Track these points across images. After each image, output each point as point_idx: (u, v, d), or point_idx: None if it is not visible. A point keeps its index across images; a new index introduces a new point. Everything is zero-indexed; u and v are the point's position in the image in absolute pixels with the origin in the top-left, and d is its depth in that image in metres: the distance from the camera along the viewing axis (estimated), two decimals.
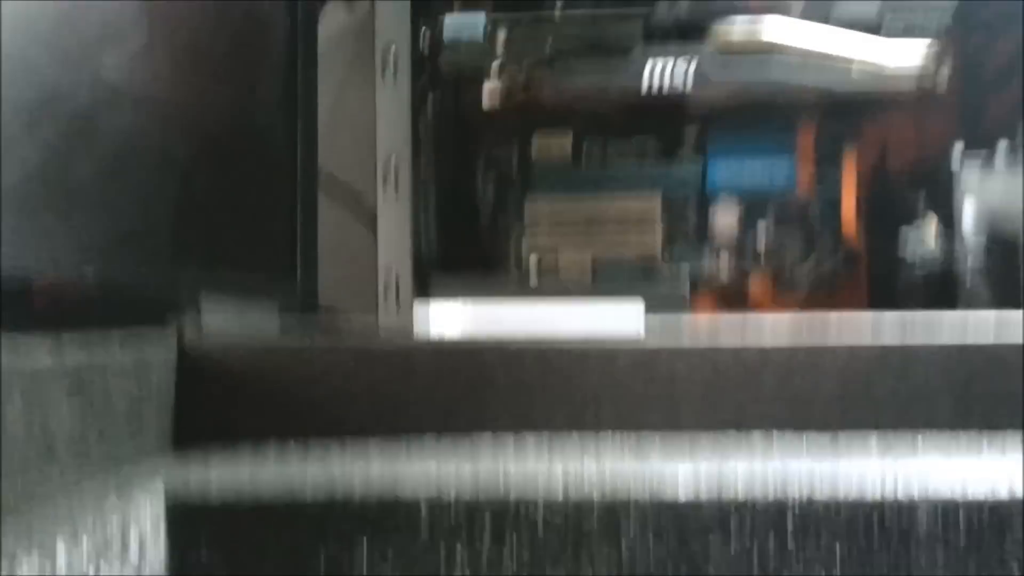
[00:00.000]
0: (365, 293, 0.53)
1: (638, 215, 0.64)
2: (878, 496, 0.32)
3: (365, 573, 0.32)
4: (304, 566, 0.33)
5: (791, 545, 0.32)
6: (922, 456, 0.35)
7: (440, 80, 0.60)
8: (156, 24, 0.41)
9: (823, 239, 0.65)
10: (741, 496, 0.32)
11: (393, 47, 0.52)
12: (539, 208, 0.64)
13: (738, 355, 0.37)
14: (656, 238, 0.63)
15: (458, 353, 0.37)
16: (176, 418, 0.37)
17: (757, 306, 0.66)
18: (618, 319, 0.45)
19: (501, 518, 0.32)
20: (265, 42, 0.51)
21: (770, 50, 0.56)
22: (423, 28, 0.58)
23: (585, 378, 0.37)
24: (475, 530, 0.32)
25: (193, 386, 0.37)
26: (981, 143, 0.56)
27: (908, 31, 0.56)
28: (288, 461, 0.35)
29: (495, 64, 0.58)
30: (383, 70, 0.52)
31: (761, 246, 0.65)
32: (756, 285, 0.66)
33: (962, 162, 0.53)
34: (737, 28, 0.57)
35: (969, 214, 0.53)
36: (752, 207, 0.65)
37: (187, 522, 0.33)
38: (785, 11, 0.56)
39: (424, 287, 0.54)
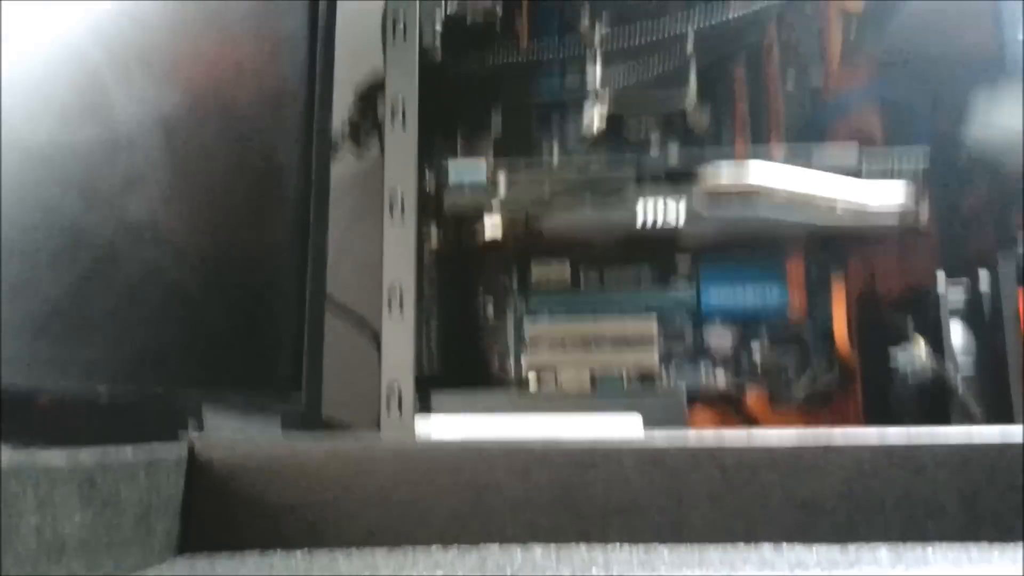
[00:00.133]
0: (368, 410, 0.53)
1: (635, 335, 0.66)
2: None
3: None
4: None
5: None
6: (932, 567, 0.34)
7: (444, 216, 0.63)
8: (179, 167, 0.43)
9: (815, 359, 0.66)
10: None
11: (400, 190, 0.55)
12: (539, 328, 0.66)
13: (742, 456, 0.37)
14: (654, 357, 0.65)
15: (461, 453, 0.38)
16: (183, 524, 0.36)
17: (754, 422, 0.66)
18: (618, 432, 0.45)
19: None
20: (281, 183, 0.54)
21: (756, 192, 0.59)
22: (428, 173, 0.61)
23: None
24: None
25: (201, 493, 0.37)
26: (963, 271, 0.59)
27: (886, 174, 0.59)
28: (294, 568, 0.35)
29: (495, 202, 0.61)
30: (391, 210, 0.55)
31: (756, 366, 0.66)
32: (752, 402, 0.67)
33: (946, 287, 0.55)
34: (724, 171, 0.60)
35: (956, 334, 0.55)
36: (745, 329, 0.67)
37: None
38: (768, 157, 0.59)
39: (426, 403, 0.54)
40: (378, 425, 0.51)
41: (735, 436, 0.38)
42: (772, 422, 0.66)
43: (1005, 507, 0.37)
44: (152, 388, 0.40)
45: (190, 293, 0.44)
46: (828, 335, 0.66)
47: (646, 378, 0.65)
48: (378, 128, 0.68)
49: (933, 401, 0.55)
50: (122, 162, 0.40)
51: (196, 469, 0.37)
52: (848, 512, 0.37)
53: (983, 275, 0.55)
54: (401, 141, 0.56)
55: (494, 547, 0.36)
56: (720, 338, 0.67)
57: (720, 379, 0.67)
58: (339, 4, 0.62)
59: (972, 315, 0.55)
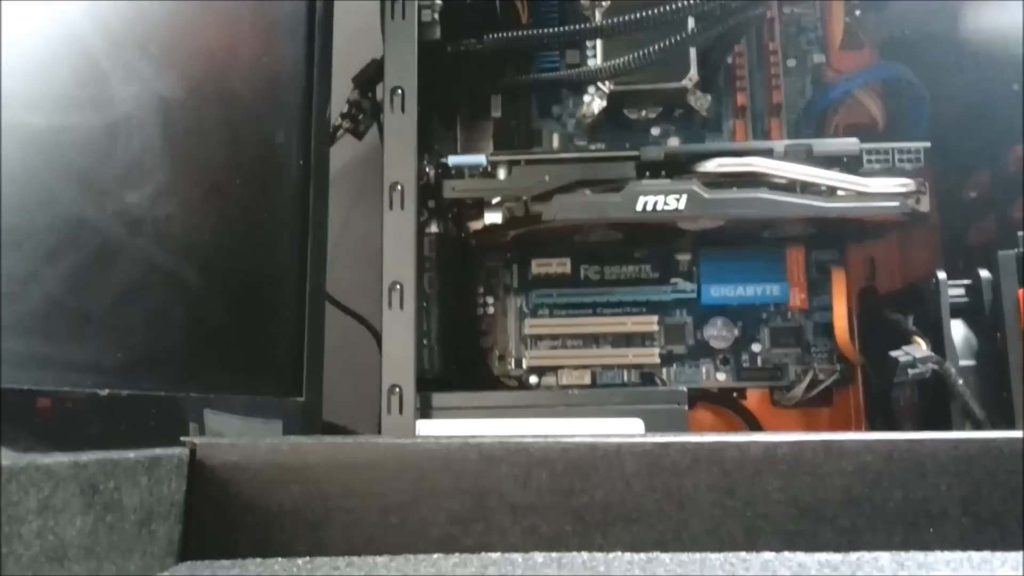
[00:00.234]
0: (368, 412, 0.53)
1: (636, 333, 0.66)
2: None
3: None
4: None
5: None
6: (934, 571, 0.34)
7: (444, 210, 0.63)
8: (178, 159, 0.43)
9: (815, 354, 0.66)
10: None
11: (400, 185, 0.54)
12: (539, 326, 0.67)
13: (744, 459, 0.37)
14: (655, 355, 0.65)
15: (462, 455, 0.37)
16: (185, 528, 0.36)
17: (754, 420, 0.67)
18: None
19: None
20: (280, 179, 0.54)
21: (756, 183, 0.58)
22: (428, 167, 0.61)
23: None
24: None
25: (203, 496, 0.37)
26: (965, 264, 0.59)
27: (887, 170, 0.59)
28: (295, 574, 0.35)
29: (495, 197, 0.61)
30: (390, 204, 0.54)
31: (756, 364, 0.67)
32: (752, 401, 0.68)
33: (947, 282, 0.55)
34: (725, 161, 0.59)
35: (957, 332, 0.55)
36: (746, 324, 0.67)
37: None
38: (768, 153, 0.59)
39: (427, 405, 0.54)
40: (379, 427, 0.51)
41: (736, 439, 0.38)
42: (772, 421, 0.67)
43: (1007, 512, 0.37)
44: (153, 391, 0.40)
45: (191, 294, 0.44)
46: (829, 331, 0.66)
47: (647, 376, 0.66)
48: (376, 117, 0.67)
49: (933, 400, 0.55)
50: (120, 153, 0.39)
51: (198, 472, 0.37)
52: (850, 516, 0.37)
53: (983, 273, 0.55)
54: (400, 126, 0.55)
55: (495, 554, 0.36)
56: (720, 334, 0.67)
57: (721, 377, 0.67)
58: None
59: (972, 313, 0.55)
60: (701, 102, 0.67)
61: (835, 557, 0.36)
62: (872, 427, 0.65)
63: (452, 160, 0.61)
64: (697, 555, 0.37)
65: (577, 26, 0.62)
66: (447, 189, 0.61)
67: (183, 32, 0.45)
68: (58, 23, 0.36)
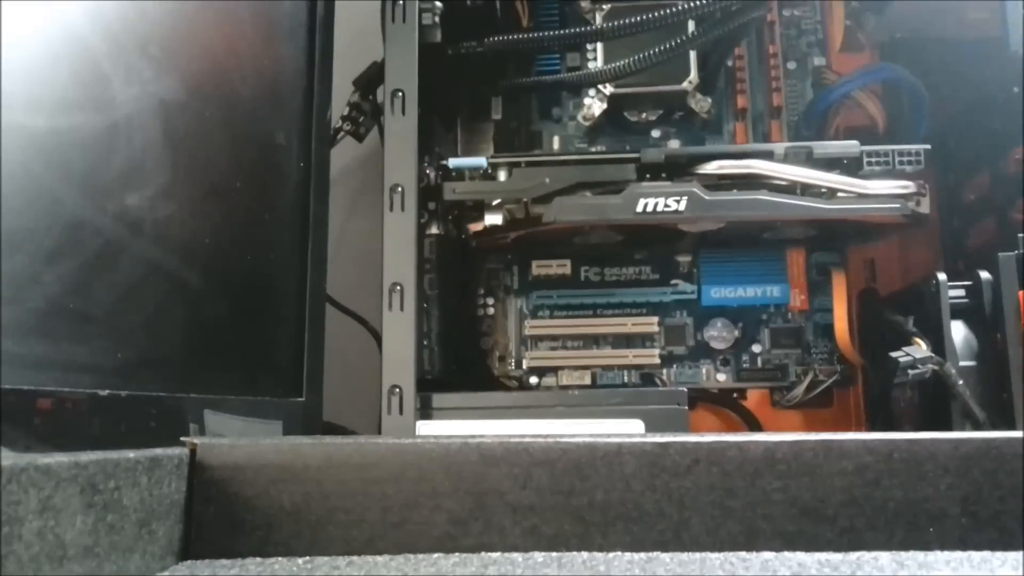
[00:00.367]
0: (368, 412, 0.53)
1: (636, 334, 0.66)
2: None
3: None
4: None
5: None
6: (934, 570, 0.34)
7: (444, 212, 0.63)
8: (179, 160, 0.43)
9: (815, 355, 0.66)
10: None
11: (400, 187, 0.54)
12: (539, 327, 0.67)
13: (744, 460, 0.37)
14: (655, 356, 0.65)
15: (462, 456, 0.37)
16: (185, 528, 0.36)
17: (754, 421, 0.67)
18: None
19: None
20: (280, 178, 0.54)
21: (757, 185, 0.58)
22: (428, 169, 0.61)
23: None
24: None
25: (203, 497, 0.37)
26: (965, 265, 0.59)
27: (887, 172, 0.59)
28: (295, 573, 0.35)
29: (496, 199, 0.61)
30: (390, 206, 0.54)
31: (756, 362, 0.67)
32: (753, 401, 0.68)
33: (947, 284, 0.55)
34: (725, 163, 0.59)
35: (956, 334, 0.55)
36: (746, 325, 0.67)
37: None
38: (769, 155, 0.59)
39: (427, 405, 0.54)
40: (379, 427, 0.51)
41: (736, 439, 0.38)
42: (773, 421, 0.67)
43: (1007, 512, 0.37)
44: (153, 392, 0.40)
45: (191, 295, 0.44)
46: (829, 332, 0.66)
47: (647, 377, 0.66)
48: (377, 119, 0.68)
49: (934, 401, 0.55)
50: (120, 155, 0.39)
51: (198, 472, 0.37)
52: (850, 516, 0.37)
53: (984, 275, 0.55)
54: (401, 128, 0.55)
55: (495, 554, 0.36)
56: (721, 336, 0.67)
57: (721, 377, 0.67)
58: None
59: (973, 314, 0.55)
60: (701, 104, 0.67)
61: (835, 557, 0.36)
62: (872, 428, 0.65)
63: (452, 162, 0.61)
64: (697, 555, 0.37)
65: (578, 29, 0.62)
66: (447, 191, 0.61)
67: (184, 34, 0.45)
68: (59, 24, 0.36)
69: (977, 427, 0.52)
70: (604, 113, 0.68)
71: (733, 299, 0.67)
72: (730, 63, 0.71)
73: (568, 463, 0.38)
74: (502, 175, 0.61)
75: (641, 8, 0.59)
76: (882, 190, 0.58)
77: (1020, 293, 0.53)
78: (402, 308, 0.53)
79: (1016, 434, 0.38)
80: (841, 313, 0.65)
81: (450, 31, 0.60)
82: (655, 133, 0.71)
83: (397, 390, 0.52)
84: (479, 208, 0.62)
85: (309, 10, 0.57)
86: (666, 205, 0.57)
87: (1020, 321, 0.53)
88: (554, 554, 0.37)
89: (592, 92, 0.69)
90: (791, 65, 0.72)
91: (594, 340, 0.67)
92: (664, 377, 0.67)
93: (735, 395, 0.68)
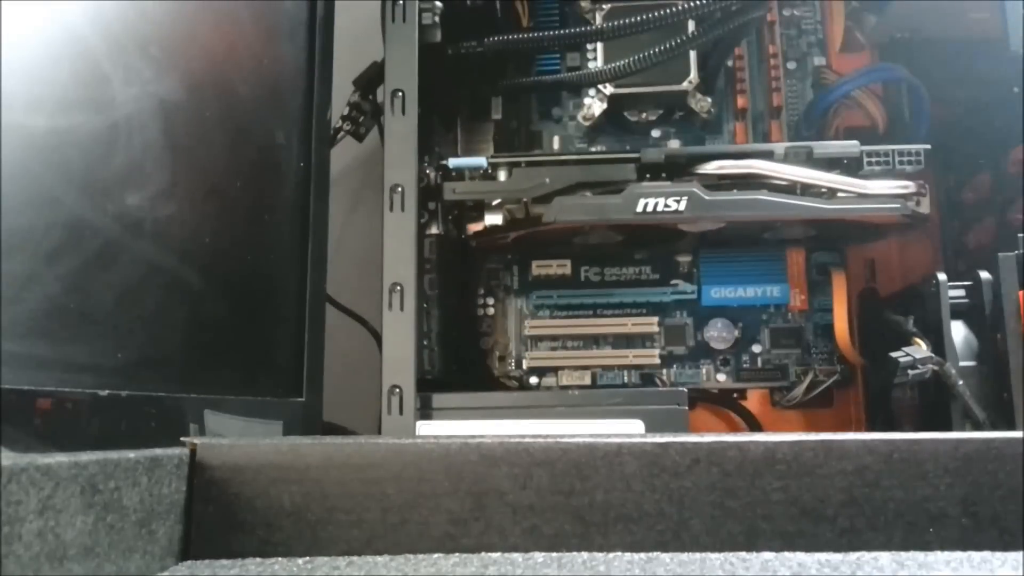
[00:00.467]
0: (368, 412, 0.53)
1: (637, 334, 0.66)
2: None
3: None
4: None
5: None
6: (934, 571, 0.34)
7: (445, 212, 0.63)
8: (179, 161, 0.43)
9: (815, 355, 0.66)
10: None
11: (400, 187, 0.54)
12: (539, 327, 0.67)
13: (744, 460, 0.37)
14: (655, 356, 0.65)
15: (462, 456, 0.37)
16: (185, 528, 0.36)
17: (755, 421, 0.67)
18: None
19: None
20: (280, 178, 0.54)
21: (757, 185, 0.58)
22: (428, 169, 0.61)
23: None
24: None
25: (203, 497, 0.37)
26: (965, 265, 0.59)
27: (887, 172, 0.59)
28: (295, 573, 0.35)
29: (496, 198, 0.61)
30: (391, 206, 0.54)
31: (756, 362, 0.67)
32: (753, 401, 0.68)
33: (947, 284, 0.55)
34: (725, 163, 0.59)
35: (957, 334, 0.55)
36: (746, 325, 0.67)
37: None
38: (769, 155, 0.59)
39: (427, 405, 0.54)
40: (379, 427, 0.51)
41: (736, 439, 0.38)
42: (773, 421, 0.67)
43: (1007, 512, 0.37)
44: (153, 392, 0.40)
45: (191, 295, 0.44)
46: (829, 332, 0.66)
47: (647, 377, 0.66)
48: (377, 119, 0.68)
49: (934, 401, 0.55)
50: (120, 155, 0.39)
51: (198, 472, 0.37)
52: (850, 516, 0.37)
53: (984, 275, 0.55)
54: (401, 128, 0.55)
55: (495, 554, 0.36)
56: (721, 336, 0.67)
57: (721, 378, 0.67)
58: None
59: (973, 315, 0.55)
60: (701, 104, 0.67)
61: (835, 557, 0.36)
62: (872, 428, 0.65)
63: (452, 162, 0.61)
64: (697, 555, 0.37)
65: (577, 29, 0.62)
66: (447, 191, 0.61)
67: (184, 34, 0.45)
68: (59, 24, 0.36)
69: (977, 427, 0.52)
70: (604, 113, 0.68)
71: (733, 299, 0.67)
72: (730, 63, 0.71)
73: (568, 463, 0.38)
74: (502, 175, 0.61)
75: (641, 8, 0.59)
76: (882, 190, 0.58)
77: (1020, 293, 0.53)
78: (402, 308, 0.53)
79: (1016, 434, 0.38)
80: (841, 313, 0.65)
81: (450, 31, 0.60)
82: (655, 133, 0.71)
83: (397, 390, 0.52)
84: (479, 208, 0.62)
85: (309, 10, 0.57)
86: (666, 205, 0.57)
87: (1020, 321, 0.53)
88: (554, 554, 0.37)
89: (592, 92, 0.69)
90: (791, 65, 0.72)
91: (594, 340, 0.67)
92: (664, 377, 0.67)
93: (735, 395, 0.68)
